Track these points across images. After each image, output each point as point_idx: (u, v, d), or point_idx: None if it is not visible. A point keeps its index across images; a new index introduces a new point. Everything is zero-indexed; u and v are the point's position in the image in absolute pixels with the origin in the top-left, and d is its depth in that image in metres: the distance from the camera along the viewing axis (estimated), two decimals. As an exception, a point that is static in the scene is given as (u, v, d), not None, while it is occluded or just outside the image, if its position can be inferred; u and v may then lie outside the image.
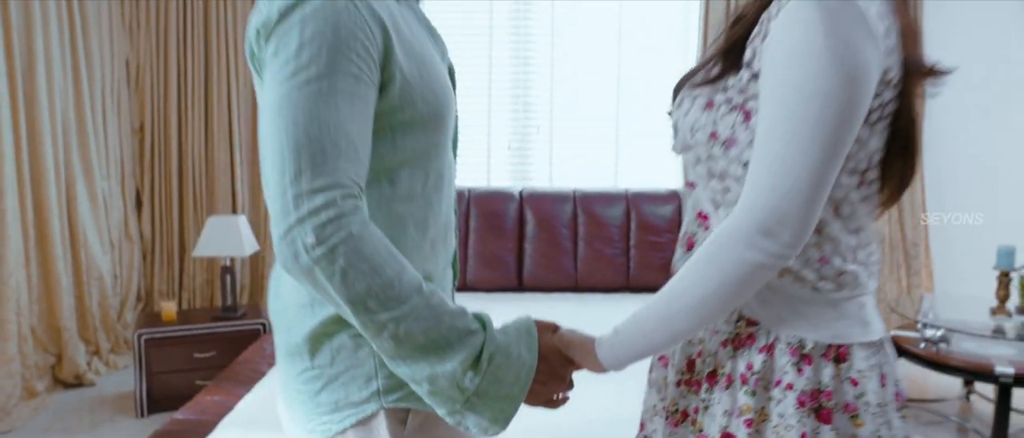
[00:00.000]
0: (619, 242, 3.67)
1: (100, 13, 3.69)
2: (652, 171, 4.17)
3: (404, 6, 0.99)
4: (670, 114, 1.01)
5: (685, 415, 1.02)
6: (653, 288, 3.58)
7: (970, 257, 3.99)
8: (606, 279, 3.66)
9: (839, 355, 0.92)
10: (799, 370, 0.91)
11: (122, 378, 3.64)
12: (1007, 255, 3.06)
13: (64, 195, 3.45)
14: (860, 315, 0.94)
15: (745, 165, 0.90)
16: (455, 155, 1.13)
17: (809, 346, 0.91)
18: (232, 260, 3.51)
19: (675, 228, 3.67)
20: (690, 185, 1.01)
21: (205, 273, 4.12)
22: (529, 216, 3.71)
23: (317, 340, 0.96)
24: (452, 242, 1.10)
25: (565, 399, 1.01)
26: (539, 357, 0.94)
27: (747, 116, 0.90)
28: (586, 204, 3.72)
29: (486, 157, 4.21)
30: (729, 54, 0.92)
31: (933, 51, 0.97)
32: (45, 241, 3.33)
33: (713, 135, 0.93)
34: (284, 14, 0.85)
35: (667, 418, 1.04)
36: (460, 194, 3.75)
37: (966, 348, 3.00)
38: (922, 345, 3.00)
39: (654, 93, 4.12)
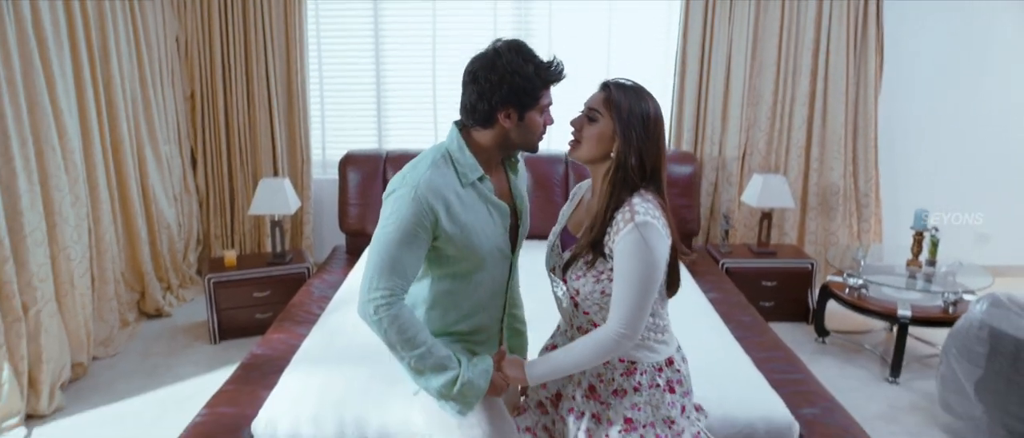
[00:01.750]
0: (605, 197, 4.30)
1: (153, -3, 4.23)
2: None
3: (469, 189, 1.69)
4: (563, 281, 1.74)
5: (594, 416, 1.77)
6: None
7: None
8: (594, 228, 4.31)
9: (669, 362, 1.76)
10: (659, 375, 1.74)
11: (191, 309, 4.40)
12: (921, 217, 3.67)
13: (136, 159, 4.11)
14: (673, 342, 1.80)
15: None
16: (515, 251, 1.86)
17: (660, 364, 1.75)
18: (280, 216, 4.17)
19: (653, 186, 4.28)
20: (586, 312, 1.74)
21: (253, 220, 4.81)
22: (528, 175, 4.32)
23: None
24: (496, 311, 1.85)
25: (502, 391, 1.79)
26: (490, 382, 1.73)
27: (612, 279, 1.65)
28: (575, 165, 4.32)
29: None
30: (595, 248, 1.65)
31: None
32: (126, 201, 4.01)
33: (602, 292, 1.67)
34: (388, 194, 1.66)
35: (575, 413, 1.79)
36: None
37: (886, 293, 3.66)
38: (847, 291, 3.67)
39: (638, 78, 4.68)
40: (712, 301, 3.50)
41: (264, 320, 4.00)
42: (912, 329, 3.83)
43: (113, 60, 3.80)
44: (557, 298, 1.81)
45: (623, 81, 1.68)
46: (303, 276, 4.11)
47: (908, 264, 3.74)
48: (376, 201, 4.29)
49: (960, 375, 2.87)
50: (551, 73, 1.67)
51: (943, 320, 3.41)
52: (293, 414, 2.36)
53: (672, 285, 1.76)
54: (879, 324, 4.16)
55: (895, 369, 3.46)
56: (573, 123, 1.71)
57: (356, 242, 4.37)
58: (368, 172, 4.32)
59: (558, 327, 1.95)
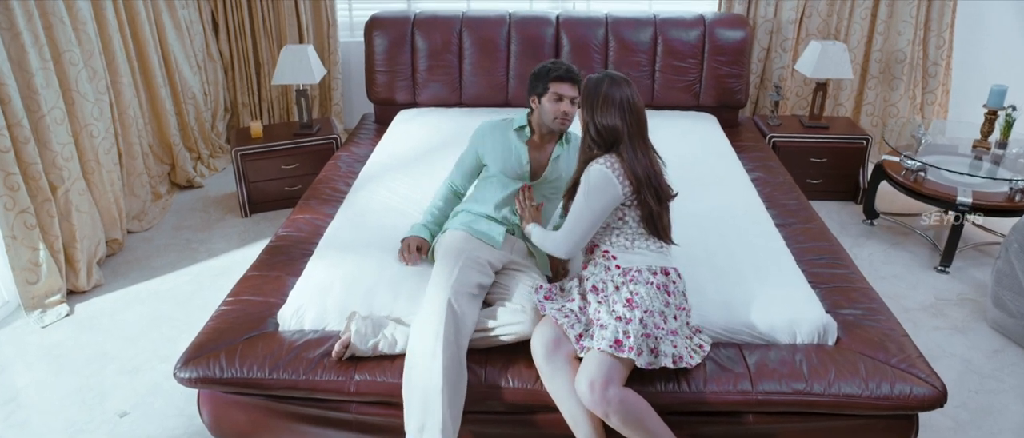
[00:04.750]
0: (646, 65, 4.00)
1: None
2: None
3: (513, 135, 2.48)
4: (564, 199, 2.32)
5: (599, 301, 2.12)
6: (675, 107, 3.98)
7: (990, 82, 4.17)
8: (633, 99, 4.04)
9: (664, 271, 2.14)
10: (653, 277, 2.11)
11: (223, 180, 4.39)
12: (998, 95, 3.33)
13: (154, 27, 3.93)
14: (668, 259, 2.19)
15: None
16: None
17: (654, 269, 2.13)
18: (305, 85, 4.01)
19: (698, 53, 3.96)
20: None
21: (280, 87, 4.66)
22: (565, 39, 4.03)
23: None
24: (509, 201, 2.49)
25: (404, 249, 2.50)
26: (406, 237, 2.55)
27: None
28: (617, 28, 4.00)
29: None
30: (572, 192, 2.22)
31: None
32: (147, 70, 3.89)
33: None
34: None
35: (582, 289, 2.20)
36: (502, 19, 4.06)
37: (946, 176, 3.40)
38: (903, 174, 3.43)
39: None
40: (755, 181, 3.31)
41: (293, 193, 3.96)
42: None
43: (118, -83, 3.53)
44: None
45: (592, 75, 2.20)
46: (331, 147, 4.01)
47: (975, 145, 3.45)
48: (404, 68, 4.08)
49: (1019, 271, 2.69)
50: (551, 72, 2.36)
51: (1008, 209, 3.16)
52: (320, 305, 2.33)
53: (658, 233, 2.18)
54: (933, 206, 3.92)
55: (946, 258, 3.28)
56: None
57: (385, 111, 4.21)
58: (396, 37, 4.07)
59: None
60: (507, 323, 2.14)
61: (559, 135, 2.49)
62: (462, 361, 2.03)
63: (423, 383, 1.98)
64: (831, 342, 2.24)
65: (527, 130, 2.49)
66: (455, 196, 2.62)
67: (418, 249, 2.48)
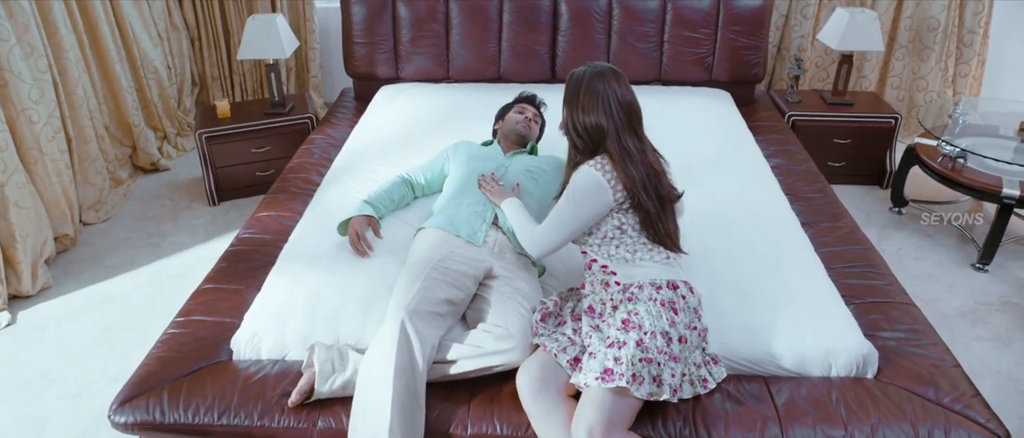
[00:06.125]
0: (653, 36, 3.62)
1: None
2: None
3: (487, 149, 2.55)
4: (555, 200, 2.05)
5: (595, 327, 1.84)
6: (685, 82, 3.62)
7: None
8: (638, 72, 3.66)
9: (673, 285, 1.83)
10: (657, 293, 1.80)
11: (191, 162, 4.02)
12: (1050, 71, 2.96)
13: (106, -6, 3.53)
14: (675, 272, 1.88)
15: None
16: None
17: (659, 282, 1.82)
18: (275, 59, 3.62)
19: (712, 22, 3.57)
20: None
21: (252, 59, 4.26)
22: (563, 9, 3.64)
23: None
24: (470, 206, 2.25)
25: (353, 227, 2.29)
26: (350, 219, 2.34)
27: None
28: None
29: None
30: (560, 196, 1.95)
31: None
32: (98, 44, 3.49)
33: None
34: None
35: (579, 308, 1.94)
36: (493, -16, 3.66)
37: (987, 163, 3.05)
38: (939, 160, 3.08)
39: None
40: (775, 169, 2.97)
41: (266, 178, 3.61)
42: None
43: None
44: None
45: (576, 69, 1.96)
46: (306, 128, 3.65)
47: (1022, 127, 3.10)
48: (385, 39, 3.70)
49: (1076, 280, 2.37)
50: (514, 99, 2.75)
51: (1059, 201, 2.83)
52: (278, 330, 2.02)
53: (661, 241, 1.89)
54: (971, 196, 3.59)
55: (987, 255, 2.95)
56: None
57: (365, 87, 3.84)
58: (375, 4, 3.67)
59: None
60: (492, 351, 1.84)
61: (523, 145, 2.60)
62: (418, 392, 1.76)
63: (371, 415, 1.71)
64: (871, 375, 1.93)
65: (493, 143, 2.66)
66: (405, 184, 2.52)
67: (370, 228, 2.32)
